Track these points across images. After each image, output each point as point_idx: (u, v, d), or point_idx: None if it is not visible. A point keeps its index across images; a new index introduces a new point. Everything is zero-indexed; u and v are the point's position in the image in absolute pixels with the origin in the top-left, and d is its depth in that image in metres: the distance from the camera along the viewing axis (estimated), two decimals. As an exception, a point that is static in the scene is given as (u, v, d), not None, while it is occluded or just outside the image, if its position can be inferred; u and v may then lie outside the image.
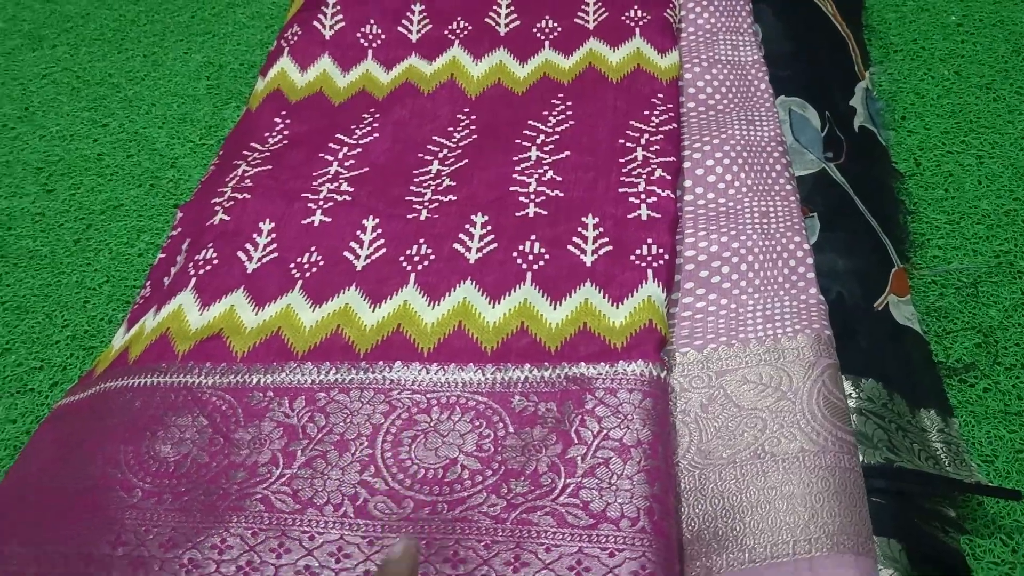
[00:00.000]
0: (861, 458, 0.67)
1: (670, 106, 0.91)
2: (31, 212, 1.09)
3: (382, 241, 0.84)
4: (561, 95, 0.95)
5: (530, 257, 0.80)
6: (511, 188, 0.86)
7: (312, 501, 0.65)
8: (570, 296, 0.76)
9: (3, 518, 0.72)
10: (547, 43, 1.01)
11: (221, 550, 0.64)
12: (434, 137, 0.94)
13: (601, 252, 0.79)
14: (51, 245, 1.05)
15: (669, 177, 0.84)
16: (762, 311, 0.76)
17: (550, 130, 0.91)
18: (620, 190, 0.84)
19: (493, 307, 0.77)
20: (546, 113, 0.93)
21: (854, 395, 0.73)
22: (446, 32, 1.05)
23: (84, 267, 1.02)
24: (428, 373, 0.72)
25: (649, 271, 0.76)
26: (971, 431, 0.78)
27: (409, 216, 0.86)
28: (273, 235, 0.86)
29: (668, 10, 1.01)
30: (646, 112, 0.91)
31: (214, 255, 0.85)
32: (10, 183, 1.13)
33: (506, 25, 1.05)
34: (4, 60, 1.31)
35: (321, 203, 0.88)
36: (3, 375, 0.93)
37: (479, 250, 0.81)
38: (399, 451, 0.67)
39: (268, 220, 0.87)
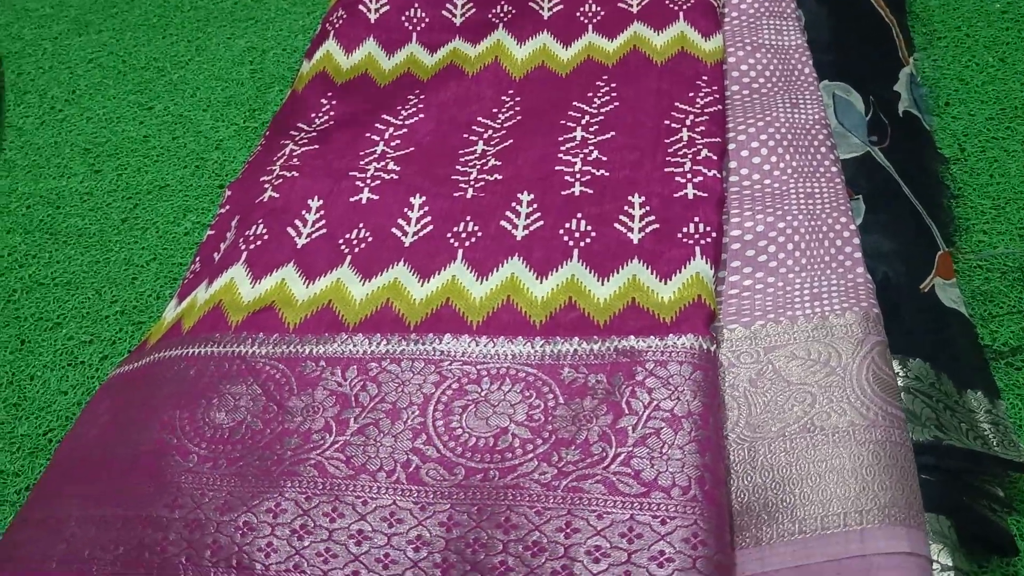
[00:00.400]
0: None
1: (715, 88, 0.92)
2: (79, 192, 1.12)
3: (429, 219, 0.85)
4: (605, 77, 0.96)
5: (576, 234, 0.81)
6: (556, 168, 0.87)
7: (365, 467, 0.67)
8: (618, 272, 0.77)
9: (61, 483, 0.74)
10: (591, 27, 1.02)
11: (276, 514, 0.65)
12: (479, 118, 0.95)
13: (648, 230, 0.79)
14: (99, 224, 1.08)
15: (715, 157, 0.84)
16: (809, 289, 0.76)
17: (595, 111, 0.92)
18: (666, 170, 0.84)
19: (541, 282, 0.77)
20: (591, 95, 0.94)
21: (901, 374, 0.73)
22: (490, 16, 1.06)
23: (132, 245, 1.04)
24: (478, 345, 0.73)
25: (697, 248, 0.77)
26: (1018, 413, 0.78)
27: (455, 194, 0.86)
28: (321, 212, 0.87)
29: (711, -6, 1.02)
30: (691, 94, 0.91)
31: (264, 231, 0.86)
32: (58, 164, 1.15)
33: (549, 9, 1.05)
34: (51, 45, 1.33)
35: (368, 181, 0.89)
36: (55, 348, 0.95)
37: (526, 227, 0.82)
38: (450, 420, 0.68)
39: (316, 197, 0.88)
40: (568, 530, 0.61)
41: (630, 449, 0.63)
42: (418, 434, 0.68)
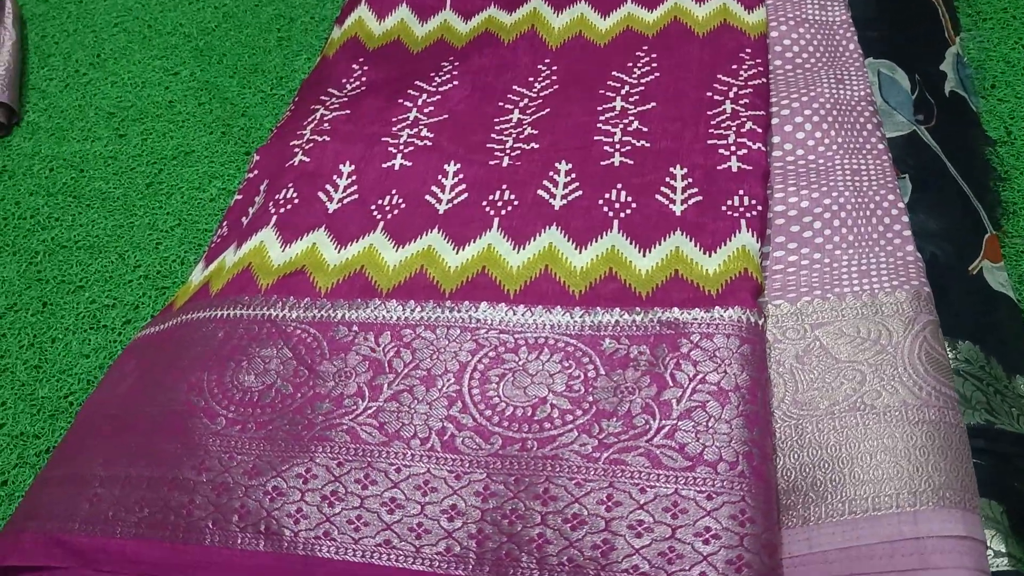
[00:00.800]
0: (960, 417, 0.65)
1: (758, 61, 0.89)
2: (103, 156, 1.10)
3: (464, 186, 0.83)
4: (645, 48, 0.93)
5: (616, 205, 0.78)
6: (595, 137, 0.84)
7: (399, 434, 0.65)
8: (659, 244, 0.74)
9: (84, 444, 0.72)
10: (629, -3, 0.99)
11: (306, 479, 0.63)
12: (514, 87, 0.93)
13: (691, 202, 0.77)
14: (123, 188, 1.06)
15: (760, 130, 0.82)
16: (857, 266, 0.73)
17: (635, 81, 0.90)
18: (709, 142, 0.82)
19: (580, 252, 0.75)
20: (630, 65, 0.91)
21: (951, 356, 0.70)
22: (526, -16, 1.04)
23: (156, 210, 1.03)
24: (515, 314, 0.71)
25: (742, 221, 0.74)
26: (1068, 401, 0.75)
27: (491, 162, 0.84)
28: (353, 177, 0.85)
29: (753, -32, 0.99)
30: (733, 66, 0.89)
31: (294, 195, 0.84)
32: (82, 127, 1.14)
33: (587, -22, 1.03)
34: (76, 8, 1.31)
35: (401, 147, 0.87)
36: (77, 311, 0.93)
37: (564, 197, 0.80)
38: (487, 388, 0.66)
39: (348, 163, 0.86)
40: (609, 503, 0.59)
41: (675, 422, 0.61)
42: (453, 402, 0.66)
